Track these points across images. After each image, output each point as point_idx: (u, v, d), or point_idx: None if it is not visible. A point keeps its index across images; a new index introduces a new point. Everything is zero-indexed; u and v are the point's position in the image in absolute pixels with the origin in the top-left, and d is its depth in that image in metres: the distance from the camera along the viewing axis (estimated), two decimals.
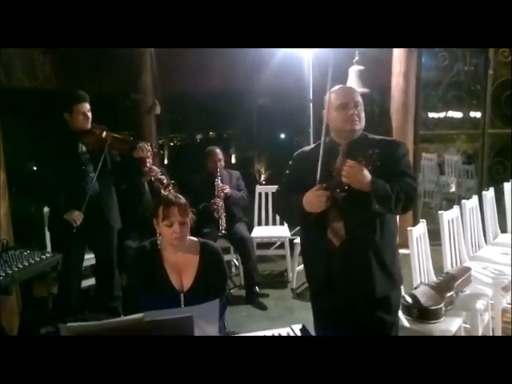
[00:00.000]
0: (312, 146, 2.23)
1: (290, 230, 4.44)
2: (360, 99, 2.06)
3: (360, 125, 2.04)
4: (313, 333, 1.95)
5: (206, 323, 1.46)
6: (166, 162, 6.69)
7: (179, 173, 4.27)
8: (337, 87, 2.12)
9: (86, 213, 3.05)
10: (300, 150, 2.23)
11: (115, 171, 3.32)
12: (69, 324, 1.29)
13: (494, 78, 4.96)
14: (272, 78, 5.15)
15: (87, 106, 3.10)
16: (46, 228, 3.51)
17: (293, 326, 1.94)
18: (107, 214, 3.25)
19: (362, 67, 4.60)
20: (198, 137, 10.17)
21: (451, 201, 6.12)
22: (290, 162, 2.23)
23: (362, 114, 2.05)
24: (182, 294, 1.95)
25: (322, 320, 2.21)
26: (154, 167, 3.78)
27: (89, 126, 3.11)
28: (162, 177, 3.76)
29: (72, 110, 3.06)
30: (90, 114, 3.11)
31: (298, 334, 1.88)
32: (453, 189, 6.55)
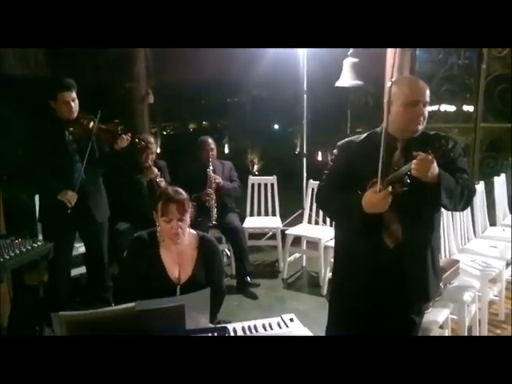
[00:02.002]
0: (360, 136, 2.05)
1: (283, 221, 4.47)
2: (428, 99, 1.90)
3: (424, 125, 1.90)
4: (302, 323, 1.95)
5: (196, 313, 1.47)
6: (158, 150, 6.67)
7: (171, 161, 4.25)
8: (409, 80, 2.00)
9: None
10: (346, 140, 2.07)
11: (106, 162, 3.26)
12: (61, 313, 1.30)
13: (487, 72, 4.98)
14: (266, 69, 5.14)
15: (72, 94, 3.02)
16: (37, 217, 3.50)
17: (283, 316, 1.97)
18: (94, 204, 3.21)
19: (356, 60, 4.59)
20: (191, 126, 10.15)
21: None
22: (335, 152, 2.08)
23: (427, 114, 1.90)
24: (178, 286, 1.95)
25: (341, 319, 2.14)
26: (155, 169, 3.78)
27: (74, 115, 3.04)
28: (162, 179, 3.78)
29: (56, 98, 3.00)
30: (74, 104, 3.03)
31: (288, 323, 1.91)
32: None
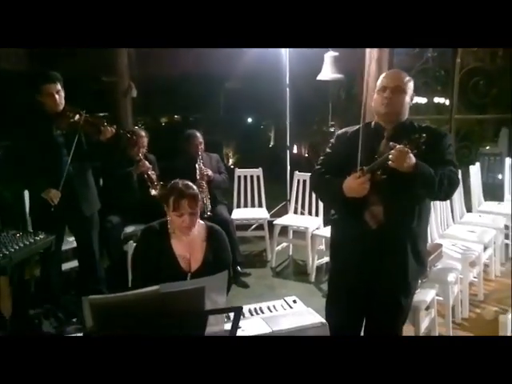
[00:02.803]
0: (356, 127, 2.20)
1: (269, 212, 4.58)
2: (402, 84, 2.04)
3: (395, 109, 2.04)
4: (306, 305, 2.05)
5: (215, 294, 1.56)
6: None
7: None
8: (387, 72, 2.17)
9: (61, 196, 3.00)
10: (343, 131, 2.24)
11: (94, 155, 3.24)
12: (90, 296, 1.36)
13: (461, 66, 5.19)
14: (249, 63, 5.21)
15: (56, 86, 2.97)
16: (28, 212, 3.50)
17: (286, 298, 2.07)
18: (81, 197, 3.19)
19: (336, 53, 4.71)
20: (163, 120, 10.11)
21: None
22: (332, 141, 2.24)
23: (402, 100, 2.04)
24: (189, 274, 2.02)
25: (337, 297, 2.27)
26: (146, 162, 3.82)
27: (60, 107, 3.02)
28: (153, 172, 3.82)
29: (41, 91, 2.97)
30: (59, 96, 2.99)
31: (292, 304, 2.01)
32: None
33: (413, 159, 1.88)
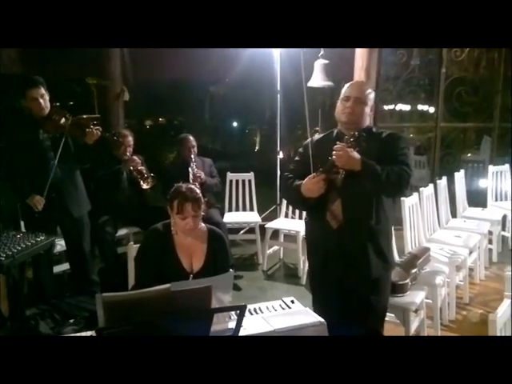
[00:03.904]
0: (321, 135, 2.38)
1: (260, 215, 4.64)
2: (363, 96, 2.17)
3: (354, 119, 2.17)
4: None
5: (221, 293, 1.62)
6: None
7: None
8: (351, 82, 2.29)
9: (49, 199, 3.01)
10: (309, 139, 2.34)
11: (81, 157, 3.25)
12: (104, 294, 1.41)
13: (446, 75, 5.35)
14: (241, 68, 5.28)
15: (40, 91, 2.98)
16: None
17: (284, 299, 2.13)
18: (69, 199, 3.21)
19: (326, 61, 4.81)
20: (148, 123, 10.13)
21: None
22: (300, 149, 2.37)
23: (361, 110, 2.17)
24: (191, 276, 2.07)
25: (318, 295, 2.37)
26: (135, 157, 3.86)
27: (45, 111, 3.03)
28: (142, 167, 3.85)
29: (25, 96, 2.98)
30: (43, 100, 3.00)
31: (290, 304, 2.08)
32: None
33: (355, 156, 2.02)
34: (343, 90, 2.23)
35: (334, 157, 2.04)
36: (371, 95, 2.23)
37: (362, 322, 2.25)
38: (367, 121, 2.25)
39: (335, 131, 2.30)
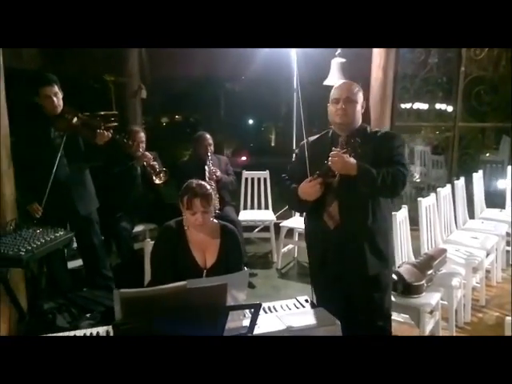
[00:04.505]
0: (317, 136, 2.39)
1: (275, 214, 4.65)
2: (352, 95, 2.19)
3: (348, 119, 2.19)
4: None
5: (236, 291, 1.63)
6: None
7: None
8: (339, 83, 2.30)
9: (56, 197, 3.00)
10: (305, 141, 2.37)
11: (91, 156, 3.27)
12: (122, 290, 1.43)
13: (465, 74, 5.28)
14: (257, 66, 5.28)
15: (53, 89, 3.01)
16: None
17: (298, 298, 2.14)
18: (77, 198, 3.22)
19: (343, 60, 4.78)
20: (164, 120, 10.20)
21: (419, 189, 6.45)
22: (296, 151, 2.41)
23: (353, 110, 2.19)
24: (204, 271, 2.09)
25: (320, 294, 2.40)
26: (147, 153, 3.88)
27: (58, 110, 3.05)
28: (155, 163, 3.87)
29: (39, 93, 3.00)
30: (57, 98, 3.02)
31: (304, 304, 2.09)
32: (417, 178, 6.85)
33: (351, 162, 2.05)
34: (332, 93, 2.24)
35: (329, 162, 2.07)
36: (360, 93, 2.24)
37: (364, 319, 2.27)
38: (360, 119, 2.27)
39: (330, 132, 2.32)
